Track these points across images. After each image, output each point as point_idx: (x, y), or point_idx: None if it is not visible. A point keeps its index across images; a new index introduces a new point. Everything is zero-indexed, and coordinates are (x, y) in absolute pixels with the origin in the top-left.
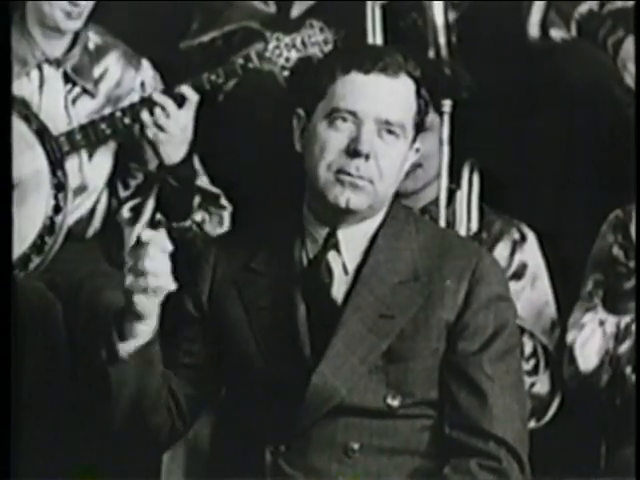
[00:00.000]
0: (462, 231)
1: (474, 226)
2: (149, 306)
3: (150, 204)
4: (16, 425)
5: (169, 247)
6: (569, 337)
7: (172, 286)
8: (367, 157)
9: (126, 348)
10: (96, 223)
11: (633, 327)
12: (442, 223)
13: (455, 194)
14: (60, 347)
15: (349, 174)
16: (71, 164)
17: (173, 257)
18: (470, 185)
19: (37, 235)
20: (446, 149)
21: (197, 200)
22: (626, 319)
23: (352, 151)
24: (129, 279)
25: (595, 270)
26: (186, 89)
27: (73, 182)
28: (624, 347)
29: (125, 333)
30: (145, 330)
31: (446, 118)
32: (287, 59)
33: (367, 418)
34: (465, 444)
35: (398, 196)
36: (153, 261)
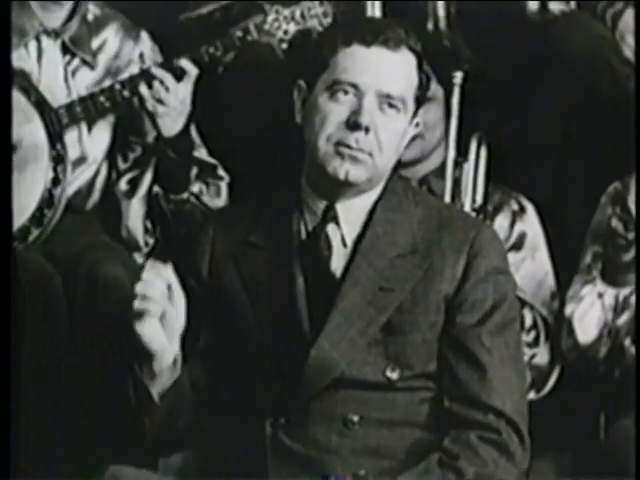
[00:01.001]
0: (467, 204)
1: (479, 199)
2: (155, 338)
3: (148, 176)
4: (16, 425)
5: (171, 279)
6: (568, 309)
7: (159, 309)
8: (367, 130)
9: (156, 389)
10: (95, 195)
11: (632, 299)
12: (447, 196)
13: (462, 166)
14: (60, 319)
15: (349, 146)
16: (70, 136)
17: (172, 230)
18: (477, 158)
19: (36, 207)
20: (454, 121)
21: (194, 171)
22: (625, 291)
23: (352, 123)
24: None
25: (594, 242)
26: (185, 62)
27: (72, 154)
28: (623, 319)
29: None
30: (163, 369)
31: (456, 90)
32: (286, 31)
33: (366, 391)
34: (464, 417)
35: (397, 167)
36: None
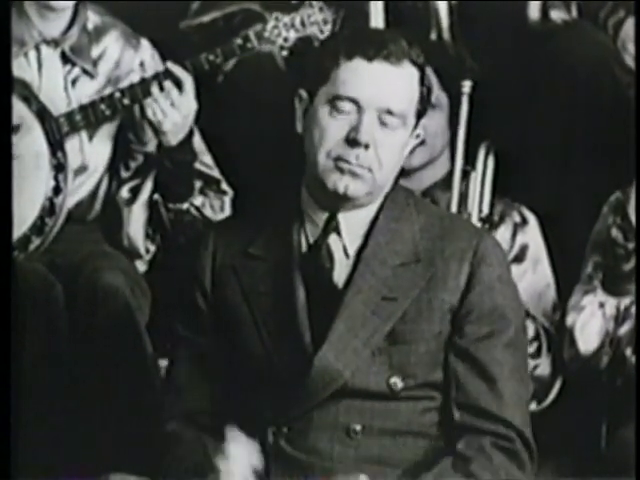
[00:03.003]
0: (474, 214)
1: (485, 208)
2: None
3: (148, 185)
4: (16, 424)
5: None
6: (569, 319)
7: None
8: (367, 146)
9: None
10: (97, 205)
11: (632, 309)
12: (454, 206)
13: (469, 176)
14: (60, 328)
15: (348, 162)
16: (71, 145)
17: (170, 239)
18: (485, 167)
19: (37, 216)
20: (462, 131)
21: (198, 184)
22: (625, 301)
23: (352, 140)
24: None
25: (594, 252)
26: (183, 73)
27: (74, 162)
28: (624, 329)
29: None
30: None
31: (465, 99)
32: (286, 39)
33: (369, 400)
34: (475, 427)
35: (399, 176)
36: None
